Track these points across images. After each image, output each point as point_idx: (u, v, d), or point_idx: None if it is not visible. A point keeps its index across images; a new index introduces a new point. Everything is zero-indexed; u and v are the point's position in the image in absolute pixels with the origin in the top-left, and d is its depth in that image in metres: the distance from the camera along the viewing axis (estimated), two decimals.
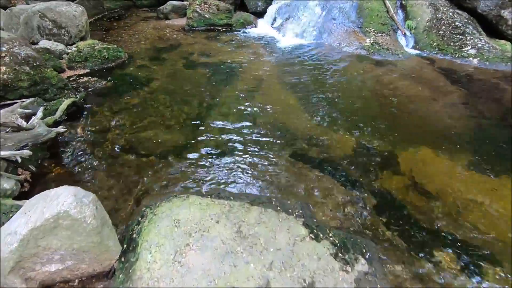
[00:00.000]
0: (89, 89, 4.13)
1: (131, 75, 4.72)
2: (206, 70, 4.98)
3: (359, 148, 3.35)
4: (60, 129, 2.73)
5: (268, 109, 3.91)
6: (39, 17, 4.91)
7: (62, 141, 3.09)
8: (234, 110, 3.85)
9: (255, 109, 3.90)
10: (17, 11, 5.08)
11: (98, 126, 3.40)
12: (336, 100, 4.20)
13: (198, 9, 7.39)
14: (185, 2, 8.34)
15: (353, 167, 3.00)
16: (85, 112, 3.63)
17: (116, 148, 3.08)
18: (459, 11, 6.10)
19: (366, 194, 2.65)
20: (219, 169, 2.76)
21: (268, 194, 2.40)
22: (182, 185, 2.52)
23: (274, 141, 3.30)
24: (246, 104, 4.00)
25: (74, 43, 5.11)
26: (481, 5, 5.81)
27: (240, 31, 7.37)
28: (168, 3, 8.29)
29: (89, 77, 4.49)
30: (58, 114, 3.30)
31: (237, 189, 2.45)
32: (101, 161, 2.88)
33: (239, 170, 2.78)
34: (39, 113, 2.83)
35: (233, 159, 2.91)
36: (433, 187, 2.86)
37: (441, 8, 6.17)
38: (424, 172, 3.05)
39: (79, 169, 2.76)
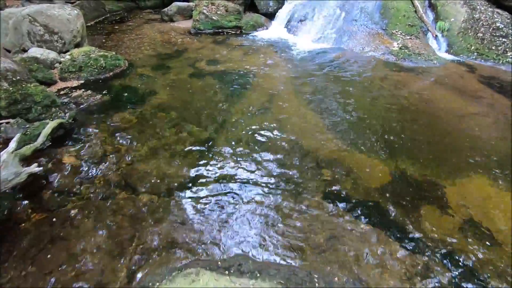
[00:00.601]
0: (81, 106, 3.57)
1: (130, 87, 4.15)
2: (214, 81, 4.39)
3: (395, 177, 2.73)
4: (34, 168, 2.17)
5: (286, 130, 3.30)
6: (29, 22, 4.38)
7: (42, 175, 2.53)
8: (248, 132, 3.25)
9: (271, 131, 3.29)
10: (6, 15, 4.56)
11: (89, 155, 2.83)
12: (363, 116, 3.57)
13: (205, 11, 6.81)
14: (191, 4, 7.78)
15: (392, 207, 2.39)
16: (75, 136, 3.07)
17: (108, 186, 2.50)
18: (499, 11, 5.41)
19: (427, 256, 2.03)
20: (236, 221, 2.16)
21: (307, 263, 1.79)
22: (189, 246, 1.93)
23: (298, 174, 2.69)
24: (261, 124, 3.40)
25: (68, 51, 4.56)
26: None
27: (250, 34, 6.78)
28: (172, 4, 7.74)
29: (83, 90, 3.93)
30: (41, 140, 2.74)
31: (263, 255, 1.85)
32: (89, 206, 2.31)
33: (261, 222, 2.18)
34: (12, 144, 2.26)
35: (252, 205, 2.31)
36: (494, 227, 2.24)
37: (478, 7, 5.49)
38: (481, 209, 2.43)
39: (61, 218, 2.19)
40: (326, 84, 4.35)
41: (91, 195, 2.43)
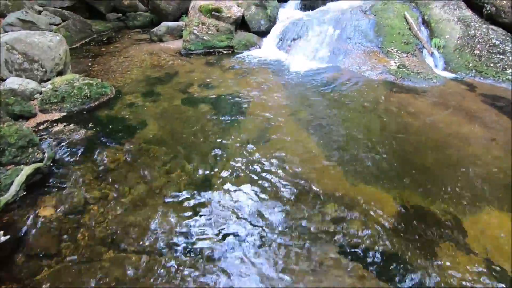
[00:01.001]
0: (62, 143, 3.25)
1: (117, 118, 3.85)
2: (207, 108, 4.14)
3: (406, 213, 2.50)
4: (0, 238, 1.84)
5: (286, 164, 3.05)
6: (7, 50, 4.08)
7: (14, 233, 2.19)
8: (246, 170, 2.98)
9: (270, 167, 3.03)
10: None
11: (70, 205, 2.51)
12: (366, 144, 3.36)
13: (195, 31, 6.62)
14: (180, 23, 7.61)
15: (406, 251, 2.14)
16: (54, 181, 2.74)
17: (92, 243, 2.18)
18: (494, 27, 5.37)
19: None
20: None
21: None
22: None
23: (305, 219, 2.43)
24: (258, 158, 3.14)
25: (50, 79, 4.26)
26: None
27: (243, 53, 6.60)
28: (162, 24, 7.55)
29: (65, 123, 3.62)
30: (13, 189, 2.42)
31: None
32: (68, 272, 1.98)
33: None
34: None
35: (261, 276, 2.00)
36: None
37: (473, 24, 5.44)
38: (505, 250, 2.20)
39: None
40: (325, 109, 4.15)
41: (72, 257, 2.10)
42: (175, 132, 3.60)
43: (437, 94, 4.43)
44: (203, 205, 2.55)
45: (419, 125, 3.69)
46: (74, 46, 7.26)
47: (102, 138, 3.40)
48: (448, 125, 3.69)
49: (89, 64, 5.95)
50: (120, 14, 9.61)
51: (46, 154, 2.92)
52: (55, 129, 3.50)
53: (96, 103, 4.11)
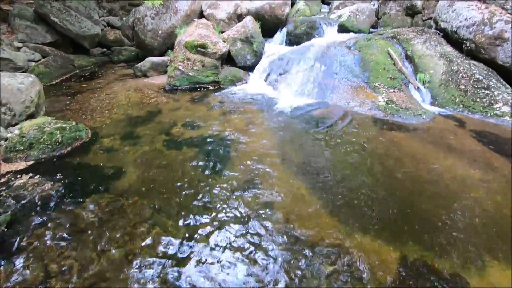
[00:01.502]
0: (23, 201, 2.86)
1: (91, 166, 3.51)
2: (192, 151, 3.87)
3: (407, 270, 2.23)
4: None
5: (277, 215, 2.76)
6: None
7: None
8: (233, 224, 2.67)
9: (259, 219, 2.74)
10: None
11: (25, 282, 2.10)
12: (360, 189, 3.13)
13: (180, 67, 6.51)
14: (165, 58, 7.53)
15: None
16: (6, 252, 2.34)
17: None
18: (475, 62, 5.48)
19: None
20: None
21: None
22: None
23: (300, 278, 2.11)
24: (247, 209, 2.85)
25: (18, 123, 3.93)
26: (501, 56, 5.20)
27: (229, 88, 6.49)
28: (146, 60, 7.44)
29: (30, 175, 3.25)
30: None
31: None
32: None
33: None
34: None
35: None
36: None
37: (455, 59, 5.54)
38: None
39: None
40: (315, 150, 3.95)
41: None
42: (155, 181, 3.28)
43: (428, 131, 4.33)
44: (183, 275, 2.19)
45: (414, 167, 3.51)
46: (54, 83, 7.02)
47: (72, 192, 3.03)
48: (443, 167, 3.53)
49: (67, 102, 5.66)
50: (105, 49, 9.54)
51: (1, 217, 2.52)
52: (18, 182, 3.11)
53: (69, 149, 3.78)
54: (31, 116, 4.06)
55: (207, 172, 3.41)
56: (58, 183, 3.14)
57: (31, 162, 3.50)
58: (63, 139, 3.76)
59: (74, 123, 4.09)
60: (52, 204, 2.86)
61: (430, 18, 7.20)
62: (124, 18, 9.70)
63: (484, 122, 4.63)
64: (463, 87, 5.11)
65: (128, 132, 4.39)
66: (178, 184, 3.20)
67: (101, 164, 3.55)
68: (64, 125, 3.91)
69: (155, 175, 3.36)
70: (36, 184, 3.05)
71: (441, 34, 6.39)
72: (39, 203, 2.85)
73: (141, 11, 8.04)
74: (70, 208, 2.83)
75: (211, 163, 3.59)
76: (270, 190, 3.12)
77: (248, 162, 3.60)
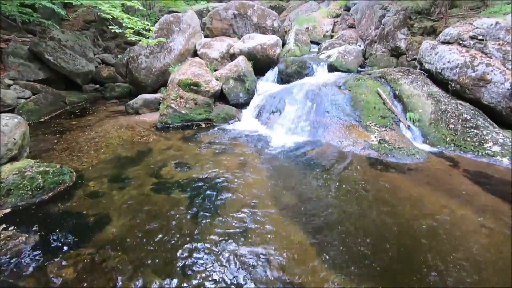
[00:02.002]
0: None
1: (73, 214, 3.28)
2: (182, 196, 3.69)
3: None
4: None
5: (271, 264, 2.57)
6: None
7: None
8: (224, 276, 2.45)
9: (252, 271, 2.53)
10: None
11: None
12: (356, 235, 3.00)
13: (173, 105, 6.51)
14: (158, 96, 7.55)
15: None
16: None
17: None
18: (461, 102, 5.64)
19: None
20: None
21: None
22: None
23: None
24: (238, 259, 2.65)
25: None
26: (486, 96, 5.38)
27: (221, 126, 6.46)
28: (139, 97, 7.44)
29: (3, 226, 2.99)
30: None
31: None
32: None
33: None
34: None
35: None
36: None
37: (442, 99, 5.70)
38: None
39: None
40: (309, 191, 3.83)
41: None
42: (142, 230, 3.06)
43: (423, 172, 4.29)
44: None
45: (412, 213, 3.39)
46: (43, 120, 6.90)
47: (48, 246, 2.78)
48: (441, 211, 3.43)
49: (54, 141, 5.50)
50: (98, 86, 9.57)
51: None
52: None
53: (50, 194, 3.55)
54: (13, 159, 3.87)
55: (197, 221, 3.21)
56: (34, 235, 2.89)
57: (7, 211, 3.25)
58: (45, 184, 3.55)
59: (58, 166, 3.90)
60: (24, 261, 2.59)
61: (415, 59, 7.54)
62: (119, 56, 9.89)
63: (476, 162, 4.64)
64: (452, 126, 5.19)
65: (116, 174, 4.21)
66: (166, 235, 2.98)
67: (84, 212, 3.33)
68: (47, 169, 3.72)
69: (141, 224, 3.14)
70: (9, 238, 2.79)
71: (426, 74, 6.65)
72: (12, 258, 2.58)
73: (136, 50, 8.20)
74: (46, 264, 2.57)
75: (202, 210, 3.40)
76: (264, 235, 2.94)
77: (241, 209, 3.43)
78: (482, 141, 4.85)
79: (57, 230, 3.01)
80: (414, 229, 3.10)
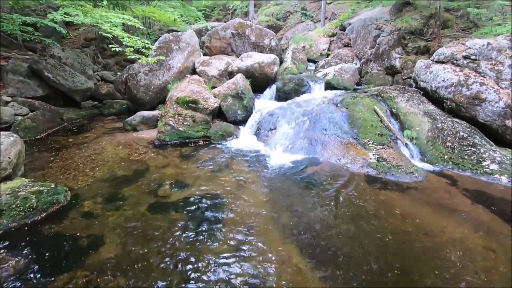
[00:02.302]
0: None
1: (66, 236, 3.19)
2: (179, 216, 3.62)
3: None
4: None
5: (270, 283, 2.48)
6: None
7: None
8: None
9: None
10: None
11: None
12: (359, 258, 2.92)
13: (171, 122, 6.51)
14: (156, 113, 7.58)
15: None
16: None
17: None
18: (457, 120, 5.70)
19: None
20: None
21: None
22: None
23: None
24: (239, 280, 2.55)
25: None
26: (481, 115, 5.44)
27: (219, 143, 6.45)
28: (137, 114, 7.46)
29: None
30: None
31: None
32: None
33: None
34: None
35: None
36: None
37: (438, 117, 5.76)
38: None
39: None
40: (308, 210, 3.77)
41: None
42: (137, 253, 2.97)
43: (422, 191, 4.26)
44: None
45: (413, 232, 3.34)
46: (39, 137, 6.84)
47: (38, 270, 2.68)
48: (443, 232, 3.38)
49: (50, 159, 5.43)
50: (96, 102, 9.61)
51: None
52: None
53: (43, 215, 3.47)
54: (7, 178, 3.80)
55: (194, 242, 3.13)
56: (25, 259, 2.79)
57: None
58: (38, 204, 3.47)
59: (52, 185, 3.84)
60: (13, 286, 2.48)
61: (410, 78, 7.68)
62: (118, 74, 10.00)
63: (475, 180, 4.63)
64: (449, 144, 5.21)
65: (111, 193, 4.14)
66: (161, 258, 2.90)
67: (78, 233, 3.24)
68: (41, 188, 3.66)
69: (136, 247, 3.05)
70: None
71: (422, 92, 6.75)
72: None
73: (135, 67, 8.30)
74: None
75: (198, 231, 3.33)
76: (263, 257, 2.86)
77: (239, 230, 3.36)
78: (480, 159, 4.86)
79: (48, 253, 2.91)
80: (416, 250, 3.04)
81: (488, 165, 4.74)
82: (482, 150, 4.98)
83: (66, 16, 6.79)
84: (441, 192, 4.28)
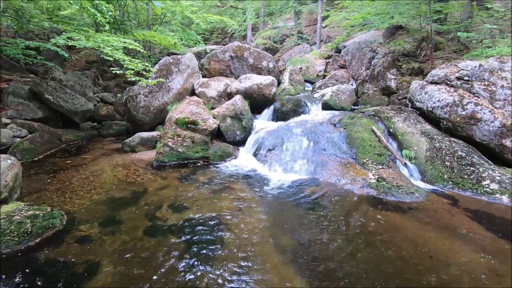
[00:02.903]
0: None
1: (60, 262, 3.09)
2: (177, 239, 3.54)
3: None
4: None
5: None
6: None
7: None
8: None
9: None
10: None
11: None
12: (362, 281, 2.84)
13: (170, 143, 6.52)
14: (155, 134, 7.60)
15: None
16: None
17: None
18: (455, 139, 5.75)
19: None
20: None
21: None
22: None
23: None
24: None
25: None
26: (478, 134, 5.50)
27: (218, 164, 6.42)
28: (136, 135, 7.47)
29: None
30: None
31: None
32: None
33: None
34: None
35: None
36: None
37: (435, 137, 5.81)
38: None
39: None
40: (309, 233, 3.70)
41: None
42: (134, 279, 2.87)
43: (424, 211, 4.22)
44: None
45: (416, 254, 3.27)
46: (37, 159, 6.80)
47: None
48: (446, 252, 3.31)
49: (47, 181, 5.37)
50: (95, 123, 9.65)
51: None
52: None
53: (38, 240, 3.38)
54: (2, 202, 3.73)
55: (192, 268, 3.04)
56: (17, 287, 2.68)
57: None
58: (33, 229, 3.39)
59: (48, 209, 3.77)
60: None
61: (405, 98, 7.83)
62: (118, 95, 10.12)
63: (476, 200, 4.60)
64: (448, 163, 5.23)
65: (109, 217, 4.06)
66: (159, 281, 2.80)
67: (73, 260, 3.14)
68: (37, 212, 3.59)
69: (133, 273, 2.95)
70: None
71: (418, 112, 6.85)
72: None
73: (135, 89, 8.42)
74: None
75: (197, 256, 3.24)
76: (263, 283, 2.76)
77: (239, 254, 3.27)
78: (480, 178, 4.86)
79: (41, 281, 2.80)
80: (420, 274, 2.96)
81: (488, 184, 4.74)
82: (481, 170, 4.99)
83: (69, 40, 6.97)
84: (443, 212, 4.24)
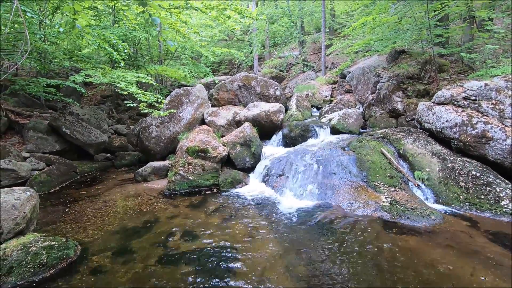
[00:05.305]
0: None
1: None
2: (188, 268, 3.50)
3: None
4: None
5: None
6: None
7: None
8: None
9: None
10: None
11: None
12: None
13: (181, 171, 6.62)
14: (166, 163, 7.75)
15: None
16: None
17: None
18: (467, 159, 5.65)
19: None
20: None
21: None
22: None
23: None
24: None
25: (3, 242, 3.65)
26: (491, 153, 5.41)
27: (229, 191, 6.44)
28: (148, 165, 7.63)
29: None
30: None
31: None
32: None
33: None
34: None
35: None
36: None
37: (447, 157, 5.73)
38: None
39: None
40: (324, 260, 3.60)
41: None
42: None
43: (442, 235, 4.08)
44: None
45: (439, 281, 3.12)
46: (53, 191, 6.97)
47: None
48: (469, 279, 3.15)
49: (62, 212, 5.48)
50: (109, 155, 9.92)
51: None
52: None
53: (52, 271, 3.40)
54: (20, 233, 3.82)
55: None
56: None
57: None
58: (48, 260, 3.43)
59: (63, 239, 3.83)
60: None
61: (413, 119, 7.84)
62: (131, 127, 10.50)
63: (496, 221, 4.43)
64: (463, 184, 5.11)
65: (122, 246, 4.08)
66: None
67: None
68: (52, 243, 3.64)
69: None
70: None
71: (427, 133, 6.82)
72: None
73: (148, 120, 8.74)
74: None
75: (210, 285, 3.18)
76: None
77: (252, 283, 3.20)
78: (497, 198, 4.71)
79: None
80: None
81: (507, 204, 4.58)
82: (498, 189, 4.85)
83: (86, 77, 7.43)
84: (462, 235, 4.08)
